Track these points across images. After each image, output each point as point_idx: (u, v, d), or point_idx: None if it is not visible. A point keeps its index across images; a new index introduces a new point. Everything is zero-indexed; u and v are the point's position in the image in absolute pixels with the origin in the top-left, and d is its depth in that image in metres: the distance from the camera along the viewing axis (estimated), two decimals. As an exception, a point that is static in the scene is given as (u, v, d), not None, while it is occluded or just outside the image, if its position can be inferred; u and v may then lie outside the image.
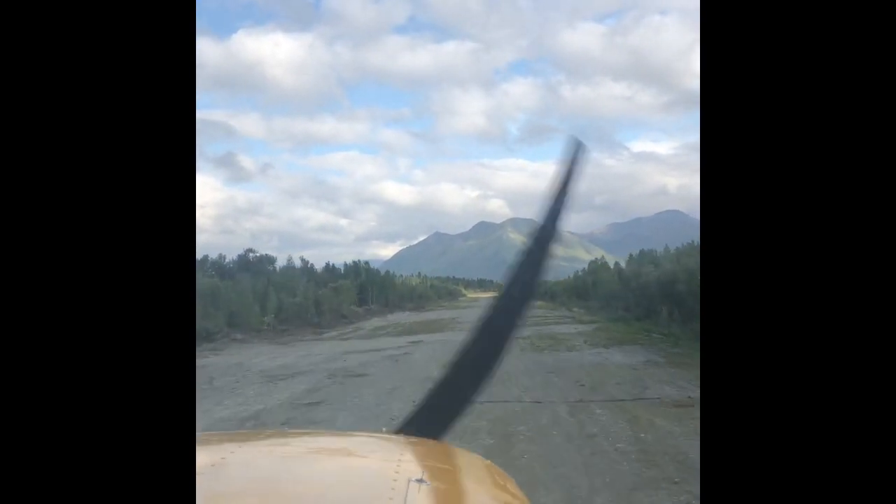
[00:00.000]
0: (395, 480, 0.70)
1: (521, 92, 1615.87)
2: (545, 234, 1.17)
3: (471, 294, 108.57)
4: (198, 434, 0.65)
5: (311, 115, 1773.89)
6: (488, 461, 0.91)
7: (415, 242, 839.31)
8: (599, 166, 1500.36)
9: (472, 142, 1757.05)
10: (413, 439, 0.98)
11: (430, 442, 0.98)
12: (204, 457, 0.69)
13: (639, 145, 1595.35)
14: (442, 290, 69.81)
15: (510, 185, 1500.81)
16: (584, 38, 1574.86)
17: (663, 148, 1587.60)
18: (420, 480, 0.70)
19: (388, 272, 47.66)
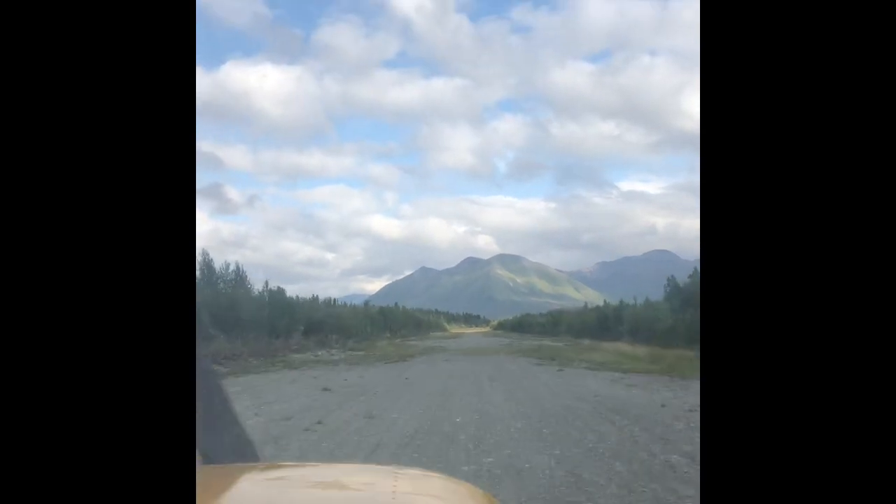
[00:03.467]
0: None
1: (509, 129, 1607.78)
2: None
3: (455, 329, 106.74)
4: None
5: (298, 147, 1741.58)
6: (487, 493, 0.87)
7: (401, 277, 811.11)
8: (588, 205, 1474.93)
9: (461, 177, 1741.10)
10: (407, 470, 0.95)
11: (425, 473, 0.97)
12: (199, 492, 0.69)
13: (627, 184, 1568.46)
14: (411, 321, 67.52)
15: (498, 221, 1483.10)
16: (573, 76, 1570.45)
17: (652, 188, 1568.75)
18: None
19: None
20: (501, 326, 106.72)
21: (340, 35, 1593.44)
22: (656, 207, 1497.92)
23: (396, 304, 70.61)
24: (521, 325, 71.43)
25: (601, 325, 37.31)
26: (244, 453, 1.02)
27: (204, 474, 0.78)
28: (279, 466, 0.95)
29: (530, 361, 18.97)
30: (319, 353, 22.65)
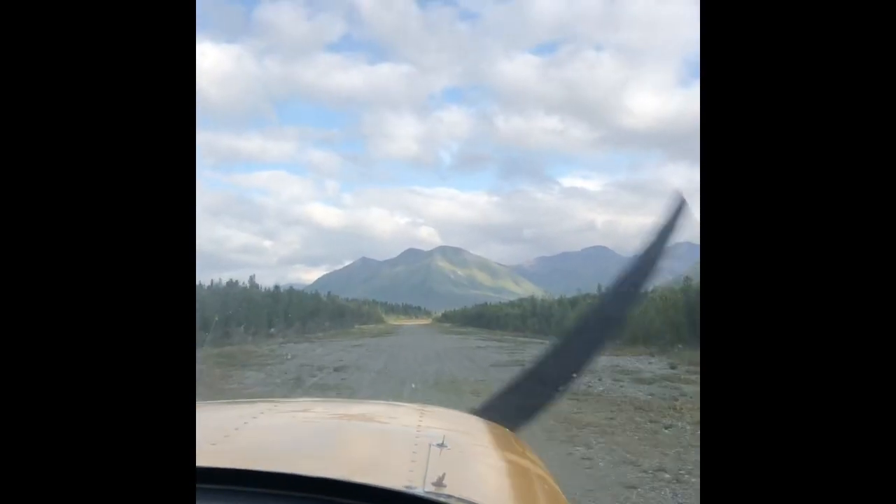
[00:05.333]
0: (416, 444, 0.74)
1: (454, 120, 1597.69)
2: (642, 269, 1.27)
3: (392, 320, 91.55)
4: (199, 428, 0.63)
5: (236, 130, 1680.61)
6: (507, 429, 0.96)
7: (340, 267, 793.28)
8: (530, 199, 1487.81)
9: (404, 168, 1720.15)
10: (432, 408, 1.05)
11: (451, 411, 1.07)
12: (231, 418, 0.74)
13: (569, 181, 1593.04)
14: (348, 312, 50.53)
15: (441, 213, 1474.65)
16: (519, 68, 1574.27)
17: (592, 184, 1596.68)
18: (440, 445, 0.74)
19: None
20: (448, 318, 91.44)
21: (283, 14, 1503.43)
22: (596, 204, 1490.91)
23: (318, 292, 54.91)
24: (480, 318, 54.78)
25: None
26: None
27: (234, 406, 0.89)
28: (315, 401, 1.08)
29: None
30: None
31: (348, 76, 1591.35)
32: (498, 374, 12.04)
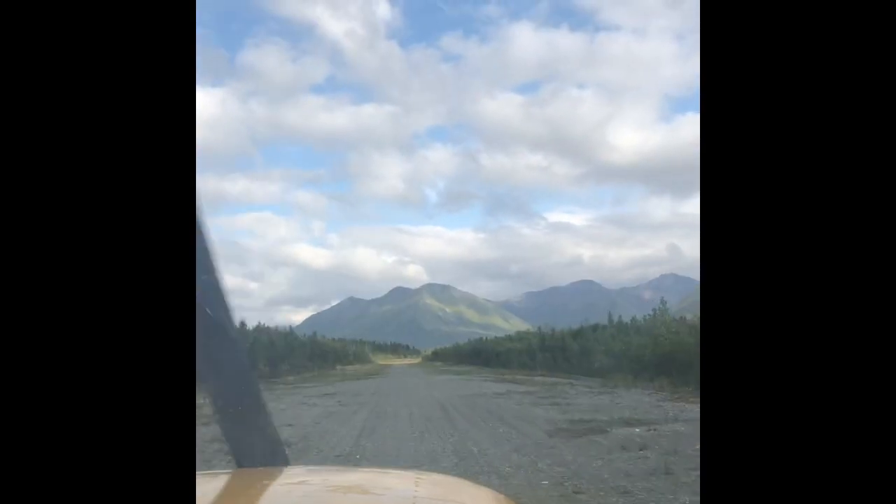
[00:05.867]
0: None
1: (440, 158, 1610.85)
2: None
3: (380, 360, 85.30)
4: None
5: (221, 173, 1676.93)
6: (503, 496, 0.94)
7: (328, 307, 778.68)
8: (517, 235, 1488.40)
9: (391, 207, 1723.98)
10: (429, 475, 1.00)
11: (446, 478, 1.02)
12: (204, 493, 0.72)
13: (554, 216, 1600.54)
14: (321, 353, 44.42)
15: (428, 251, 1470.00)
16: (502, 107, 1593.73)
17: (578, 219, 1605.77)
18: None
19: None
20: (439, 356, 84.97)
21: (267, 57, 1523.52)
22: (582, 238, 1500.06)
23: (293, 330, 48.60)
24: (477, 355, 47.85)
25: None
26: (275, 453, 1.01)
27: (232, 477, 0.86)
28: (303, 470, 0.93)
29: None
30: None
31: (333, 117, 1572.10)
32: (581, 450, 6.40)
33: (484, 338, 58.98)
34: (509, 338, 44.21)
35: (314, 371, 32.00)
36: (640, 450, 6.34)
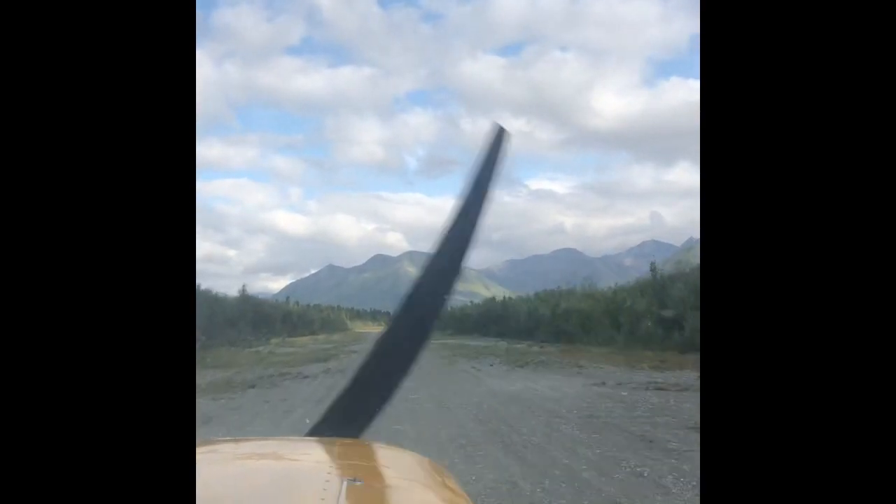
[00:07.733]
0: (327, 482, 0.69)
1: (420, 123, 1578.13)
2: (468, 218, 1.19)
3: (359, 327, 76.86)
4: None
5: (197, 137, 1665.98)
6: (426, 458, 0.92)
7: (307, 275, 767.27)
8: (498, 203, 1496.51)
9: (370, 173, 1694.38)
10: (346, 441, 0.99)
11: (365, 442, 0.99)
12: None
13: (536, 183, 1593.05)
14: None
15: (408, 218, 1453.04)
16: (484, 69, 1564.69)
17: (560, 186, 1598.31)
18: (354, 480, 0.70)
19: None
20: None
21: (242, 16, 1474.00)
22: (564, 206, 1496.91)
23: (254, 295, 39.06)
24: (499, 321, 32.89)
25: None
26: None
27: None
28: (211, 441, 0.87)
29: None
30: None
31: (310, 80, 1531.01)
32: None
33: (507, 297, 48.24)
34: (572, 291, 30.64)
35: (254, 342, 23.01)
36: None
